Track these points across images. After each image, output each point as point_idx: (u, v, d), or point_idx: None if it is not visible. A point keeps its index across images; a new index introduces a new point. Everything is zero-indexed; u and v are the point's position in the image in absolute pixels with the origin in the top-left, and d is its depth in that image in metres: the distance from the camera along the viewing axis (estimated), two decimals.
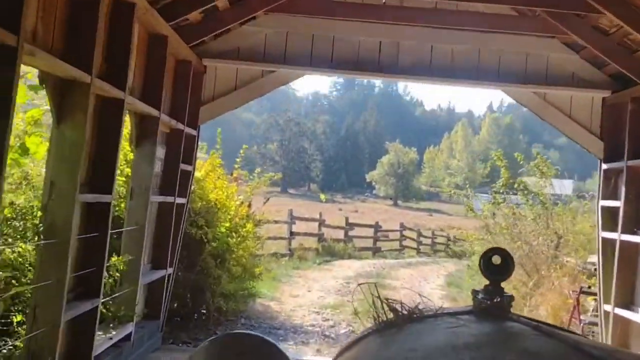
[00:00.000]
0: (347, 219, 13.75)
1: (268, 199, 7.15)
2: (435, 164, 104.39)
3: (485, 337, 0.70)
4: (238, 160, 7.18)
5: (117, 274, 4.23)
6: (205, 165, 6.76)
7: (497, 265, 0.82)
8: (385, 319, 0.78)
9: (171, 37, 4.87)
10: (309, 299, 8.38)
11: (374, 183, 74.53)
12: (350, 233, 13.46)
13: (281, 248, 10.31)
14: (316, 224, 12.49)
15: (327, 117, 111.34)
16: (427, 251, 18.67)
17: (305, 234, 12.01)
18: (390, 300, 0.80)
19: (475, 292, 0.85)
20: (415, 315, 0.79)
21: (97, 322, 3.73)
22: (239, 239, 6.71)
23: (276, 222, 10.42)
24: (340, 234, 13.23)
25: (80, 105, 3.31)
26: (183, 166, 5.61)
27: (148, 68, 4.77)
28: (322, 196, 13.69)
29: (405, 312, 0.79)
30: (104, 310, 4.03)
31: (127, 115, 4.36)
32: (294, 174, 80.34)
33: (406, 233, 17.27)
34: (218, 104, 6.27)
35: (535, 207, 11.73)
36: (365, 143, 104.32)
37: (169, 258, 5.43)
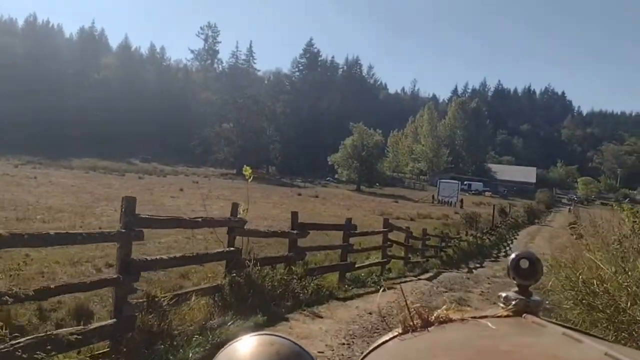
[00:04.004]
0: (294, 216, 7.34)
1: None
2: (399, 148, 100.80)
3: (512, 341, 0.71)
4: None
5: None
6: None
7: (524, 269, 0.81)
8: (411, 323, 0.77)
9: None
10: None
11: (336, 166, 69.10)
12: (302, 242, 7.34)
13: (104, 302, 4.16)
14: (223, 231, 5.64)
15: (287, 96, 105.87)
16: (418, 260, 12.98)
17: (184, 260, 5.06)
18: (417, 305, 0.78)
19: (503, 297, 0.82)
20: (441, 319, 0.79)
21: None
22: None
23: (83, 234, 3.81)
24: (283, 247, 7.18)
25: None
26: None
27: None
28: (247, 171, 6.40)
29: (431, 317, 0.79)
30: None
31: None
32: (251, 156, 74.23)
33: (392, 235, 11.23)
34: None
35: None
36: (328, 125, 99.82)
37: None
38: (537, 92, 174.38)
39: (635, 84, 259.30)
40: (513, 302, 0.78)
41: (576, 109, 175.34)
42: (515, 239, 29.93)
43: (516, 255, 0.82)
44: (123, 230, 4.08)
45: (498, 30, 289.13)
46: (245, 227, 5.75)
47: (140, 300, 4.12)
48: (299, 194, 45.67)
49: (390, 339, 0.77)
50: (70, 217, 18.07)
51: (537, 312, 0.78)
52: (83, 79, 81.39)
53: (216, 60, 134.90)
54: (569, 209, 68.69)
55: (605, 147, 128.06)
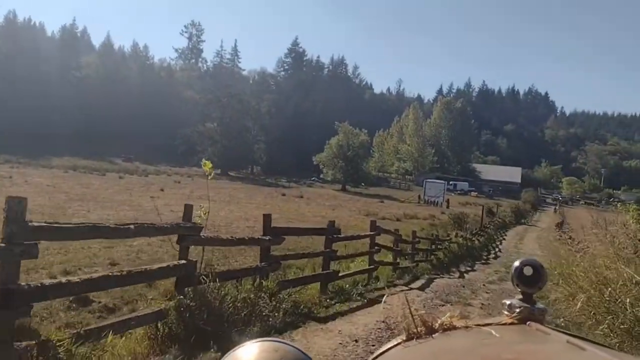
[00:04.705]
0: (267, 220, 6.11)
1: None
2: (385, 148, 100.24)
3: (516, 349, 0.72)
4: None
5: None
6: None
7: (528, 276, 0.81)
8: (415, 330, 0.79)
9: None
10: None
11: (321, 166, 68.11)
12: (275, 250, 6.20)
13: None
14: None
15: (272, 95, 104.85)
16: (407, 265, 12.00)
17: (106, 281, 3.48)
18: (421, 313, 0.80)
19: (507, 304, 0.82)
20: (445, 326, 0.80)
21: None
22: None
23: None
24: (251, 254, 6.10)
25: None
26: None
27: None
28: (207, 166, 4.87)
29: (435, 324, 0.80)
30: None
31: None
32: (236, 156, 73.07)
33: (380, 239, 10.18)
34: None
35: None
36: (313, 125, 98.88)
37: None
38: (521, 92, 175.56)
39: (617, 85, 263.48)
40: (517, 310, 0.77)
41: (559, 109, 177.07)
42: (504, 239, 29.23)
43: (520, 263, 0.81)
44: (2, 245, 2.82)
45: (483, 30, 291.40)
46: (202, 234, 4.66)
47: (32, 343, 2.97)
48: (284, 194, 44.85)
49: (394, 346, 0.77)
50: (37, 218, 16.81)
51: (541, 320, 0.77)
52: (65, 77, 79.55)
53: (200, 59, 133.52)
54: (555, 208, 68.77)
55: (588, 147, 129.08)
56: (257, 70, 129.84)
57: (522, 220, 47.52)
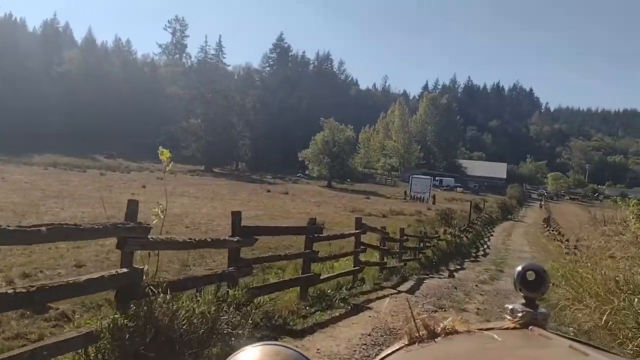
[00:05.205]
0: (236, 218, 5.41)
1: None
2: (371, 144, 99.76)
3: (518, 354, 0.73)
4: None
5: None
6: None
7: (531, 281, 0.82)
8: (417, 334, 0.79)
9: None
10: None
11: (307, 162, 67.36)
12: (247, 252, 5.42)
13: None
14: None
15: (257, 91, 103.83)
16: (395, 265, 11.32)
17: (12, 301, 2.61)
18: (423, 317, 0.80)
19: (509, 309, 0.82)
20: (448, 330, 0.80)
21: None
22: None
23: None
24: (218, 259, 5.31)
25: None
26: None
27: None
28: (164, 155, 4.22)
29: (437, 328, 0.80)
30: None
31: None
32: (220, 152, 71.98)
33: (365, 237, 9.46)
34: None
35: None
36: (298, 121, 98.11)
37: None
38: (506, 88, 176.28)
39: (601, 82, 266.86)
40: (519, 314, 0.77)
41: (544, 105, 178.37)
42: (492, 235, 28.85)
43: (523, 268, 0.81)
44: None
45: (469, 27, 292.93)
46: (151, 236, 3.85)
47: None
48: (268, 191, 44.19)
49: (396, 350, 0.76)
50: (8, 216, 15.99)
51: (544, 325, 0.77)
52: (47, 73, 77.68)
53: (184, 55, 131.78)
54: (540, 204, 69.06)
55: (573, 142, 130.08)
56: (242, 66, 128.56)
57: (509, 216, 47.46)
